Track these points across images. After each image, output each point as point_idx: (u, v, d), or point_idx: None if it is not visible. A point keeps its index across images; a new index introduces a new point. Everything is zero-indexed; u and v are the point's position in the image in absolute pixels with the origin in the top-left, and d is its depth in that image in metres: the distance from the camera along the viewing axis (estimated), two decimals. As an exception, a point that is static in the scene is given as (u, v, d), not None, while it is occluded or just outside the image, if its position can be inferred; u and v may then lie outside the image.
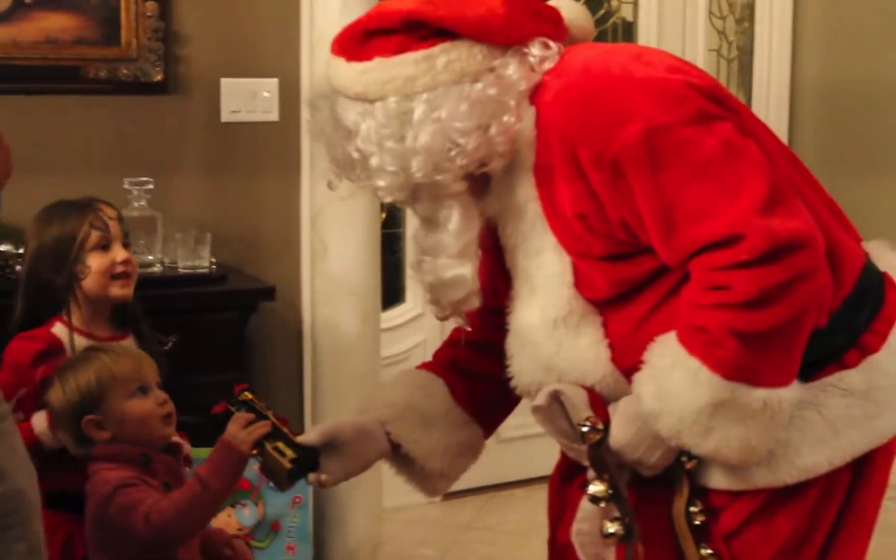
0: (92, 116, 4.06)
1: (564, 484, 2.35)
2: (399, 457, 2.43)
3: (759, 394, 1.97)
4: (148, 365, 2.63)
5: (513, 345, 2.27)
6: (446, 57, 2.06)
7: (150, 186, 3.85)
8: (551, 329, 2.17)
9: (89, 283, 2.97)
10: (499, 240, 2.25)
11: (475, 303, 2.25)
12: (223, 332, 3.84)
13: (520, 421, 2.61)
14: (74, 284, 2.97)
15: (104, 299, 3.01)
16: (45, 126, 4.01)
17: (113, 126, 4.11)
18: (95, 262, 2.97)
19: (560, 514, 2.35)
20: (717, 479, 2.13)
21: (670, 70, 2.05)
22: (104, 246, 2.99)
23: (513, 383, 2.29)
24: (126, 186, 3.83)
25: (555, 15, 2.17)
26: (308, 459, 2.35)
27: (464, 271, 2.19)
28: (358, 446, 2.38)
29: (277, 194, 4.33)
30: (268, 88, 4.26)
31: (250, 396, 2.42)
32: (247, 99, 4.23)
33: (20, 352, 2.93)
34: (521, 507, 4.97)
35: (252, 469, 3.75)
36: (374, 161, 2.10)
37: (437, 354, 2.54)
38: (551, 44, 2.12)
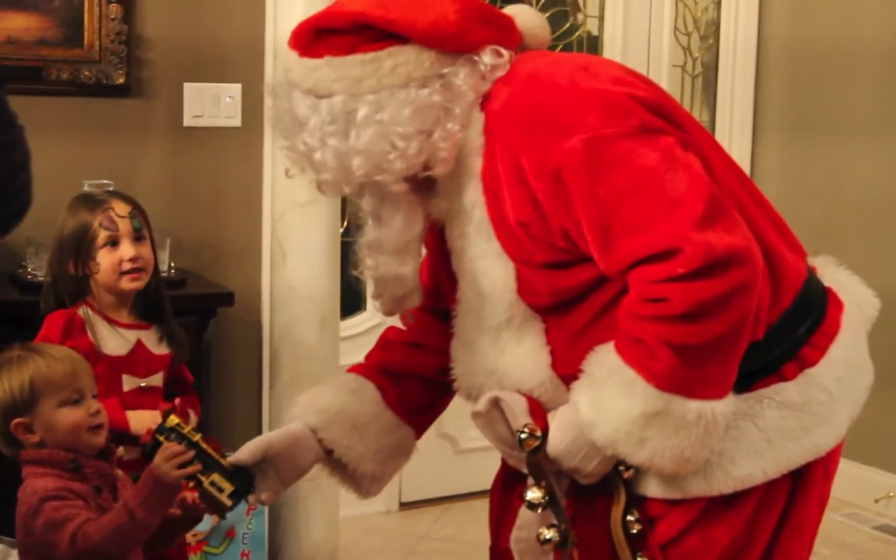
0: (53, 118, 4.04)
1: (506, 491, 2.36)
2: (332, 461, 2.44)
3: (694, 406, 1.99)
4: (84, 373, 2.55)
5: (456, 348, 2.29)
6: (394, 60, 2.08)
7: (111, 189, 3.82)
8: (494, 333, 2.19)
9: (101, 277, 3.05)
10: (445, 241, 2.27)
11: (416, 301, 2.29)
12: (182, 337, 3.81)
13: (478, 432, 2.60)
14: (90, 276, 3.06)
15: (118, 291, 3.07)
16: (5, 126, 3.97)
17: (74, 128, 4.09)
18: (105, 259, 3.04)
19: (501, 522, 2.36)
20: (654, 489, 2.14)
21: (615, 82, 2.06)
22: (113, 243, 3.04)
23: (455, 385, 2.31)
24: (86, 189, 3.80)
25: (507, 23, 2.18)
26: (244, 484, 2.35)
27: (404, 269, 2.22)
28: (291, 457, 2.39)
29: (238, 200, 4.34)
30: (231, 93, 4.25)
31: (176, 421, 2.39)
32: (210, 104, 4.23)
33: (49, 328, 3.02)
34: (478, 518, 4.88)
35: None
36: (317, 156, 2.13)
37: (368, 357, 2.55)
38: (503, 52, 2.13)
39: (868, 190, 5.33)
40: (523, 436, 2.11)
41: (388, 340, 2.52)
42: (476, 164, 2.12)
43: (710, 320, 1.94)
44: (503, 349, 2.19)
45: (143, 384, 3.08)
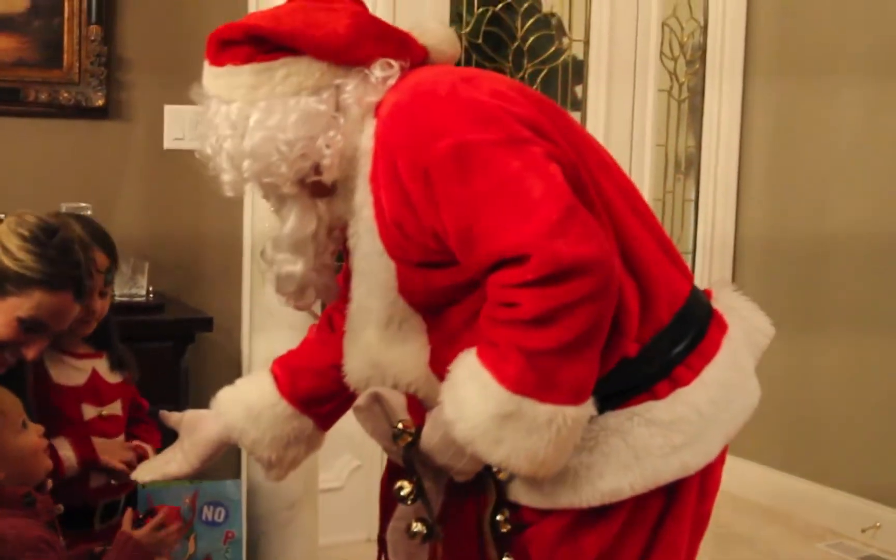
0: (31, 139, 4.01)
1: (390, 485, 2.42)
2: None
3: (545, 409, 2.03)
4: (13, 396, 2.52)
5: (347, 343, 2.41)
6: (286, 70, 2.21)
7: (88, 212, 3.77)
8: (380, 330, 2.30)
9: None
10: None
11: (311, 299, 2.43)
12: (159, 363, 3.78)
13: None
14: None
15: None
16: (-18, 147, 3.94)
17: (52, 150, 4.05)
18: None
19: (387, 514, 2.42)
20: (525, 497, 2.22)
21: (493, 95, 2.15)
22: None
23: (346, 379, 2.43)
24: (63, 211, 3.77)
25: (401, 37, 2.29)
26: None
27: (294, 268, 2.36)
28: (196, 429, 2.63)
29: (218, 225, 4.30)
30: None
31: None
32: (190, 126, 4.18)
33: None
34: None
35: (184, 503, 3.72)
36: (217, 158, 2.28)
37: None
38: (393, 63, 2.24)
39: (855, 225, 5.32)
40: (398, 432, 2.21)
41: (305, 337, 2.68)
42: (366, 166, 2.22)
43: (558, 326, 2.00)
44: (388, 345, 2.30)
45: (103, 412, 3.05)
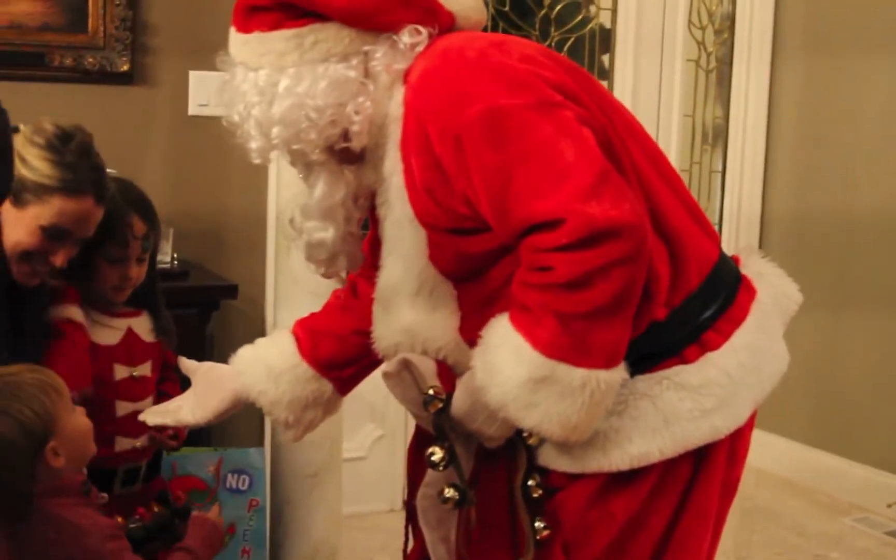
0: (55, 105, 3.97)
1: (419, 451, 2.42)
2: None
3: (579, 373, 2.04)
4: None
5: (376, 310, 2.39)
6: (315, 36, 2.20)
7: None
8: (410, 297, 2.30)
9: (93, 282, 3.00)
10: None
11: (343, 266, 2.42)
12: (184, 330, 3.72)
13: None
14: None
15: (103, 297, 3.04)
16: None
17: (77, 115, 3.94)
18: (106, 271, 2.99)
19: (414, 481, 2.44)
20: (555, 461, 2.23)
21: (524, 60, 2.15)
22: (118, 260, 2.99)
23: (374, 346, 2.42)
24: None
25: (429, 3, 2.27)
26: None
27: (325, 235, 2.35)
28: (211, 381, 2.63)
29: (243, 192, 4.28)
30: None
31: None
32: (216, 92, 4.12)
33: None
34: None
35: (207, 471, 3.72)
36: (245, 125, 2.26)
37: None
38: (422, 30, 2.23)
39: (883, 202, 5.27)
40: (428, 398, 2.22)
41: (327, 302, 2.68)
42: (396, 133, 2.21)
43: (592, 290, 2.00)
44: (418, 312, 2.29)
45: (134, 373, 3.06)
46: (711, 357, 2.20)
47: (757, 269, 2.40)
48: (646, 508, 2.21)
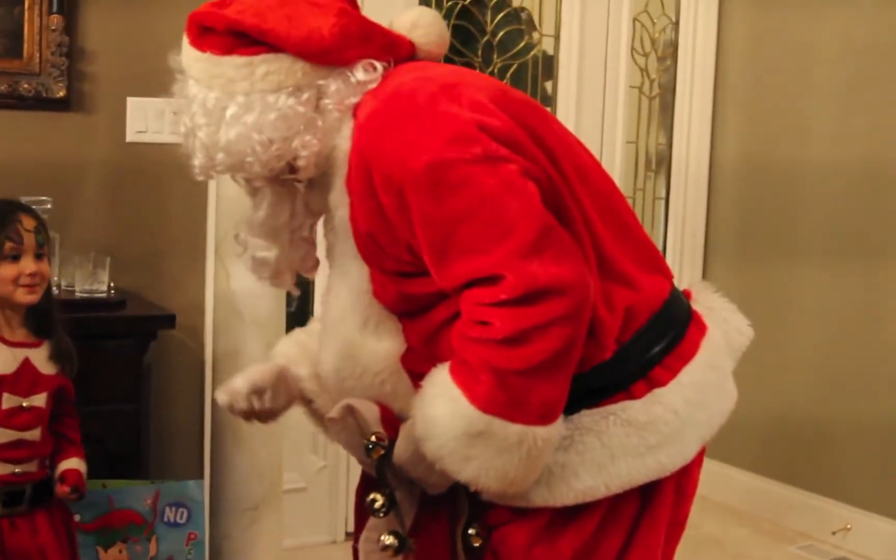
0: (-10, 131, 3.92)
1: (365, 494, 2.41)
2: (311, 409, 2.56)
3: (515, 429, 2.04)
4: None
5: (323, 335, 2.38)
6: (267, 67, 2.18)
7: (49, 206, 3.71)
8: (357, 328, 2.28)
9: None
10: None
11: (288, 282, 2.42)
12: (121, 360, 3.74)
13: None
14: None
15: (12, 304, 3.10)
16: (-61, 139, 3.87)
17: (12, 142, 3.97)
18: (3, 270, 3.05)
19: (361, 523, 2.42)
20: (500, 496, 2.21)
21: (473, 107, 2.12)
22: (14, 257, 3.06)
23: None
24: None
25: (388, 40, 2.27)
26: None
27: (269, 255, 2.34)
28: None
29: (181, 220, 4.23)
30: (176, 108, 4.12)
31: None
32: (153, 119, 4.12)
33: None
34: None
35: (144, 504, 3.67)
36: (190, 140, 2.26)
37: None
38: (376, 65, 2.22)
39: (824, 224, 5.29)
40: (371, 444, 2.23)
41: None
42: (343, 167, 2.20)
43: (530, 347, 2.00)
44: (363, 342, 2.28)
45: (24, 404, 3.10)
46: (659, 393, 2.19)
47: (708, 303, 2.40)
48: (592, 545, 2.19)
